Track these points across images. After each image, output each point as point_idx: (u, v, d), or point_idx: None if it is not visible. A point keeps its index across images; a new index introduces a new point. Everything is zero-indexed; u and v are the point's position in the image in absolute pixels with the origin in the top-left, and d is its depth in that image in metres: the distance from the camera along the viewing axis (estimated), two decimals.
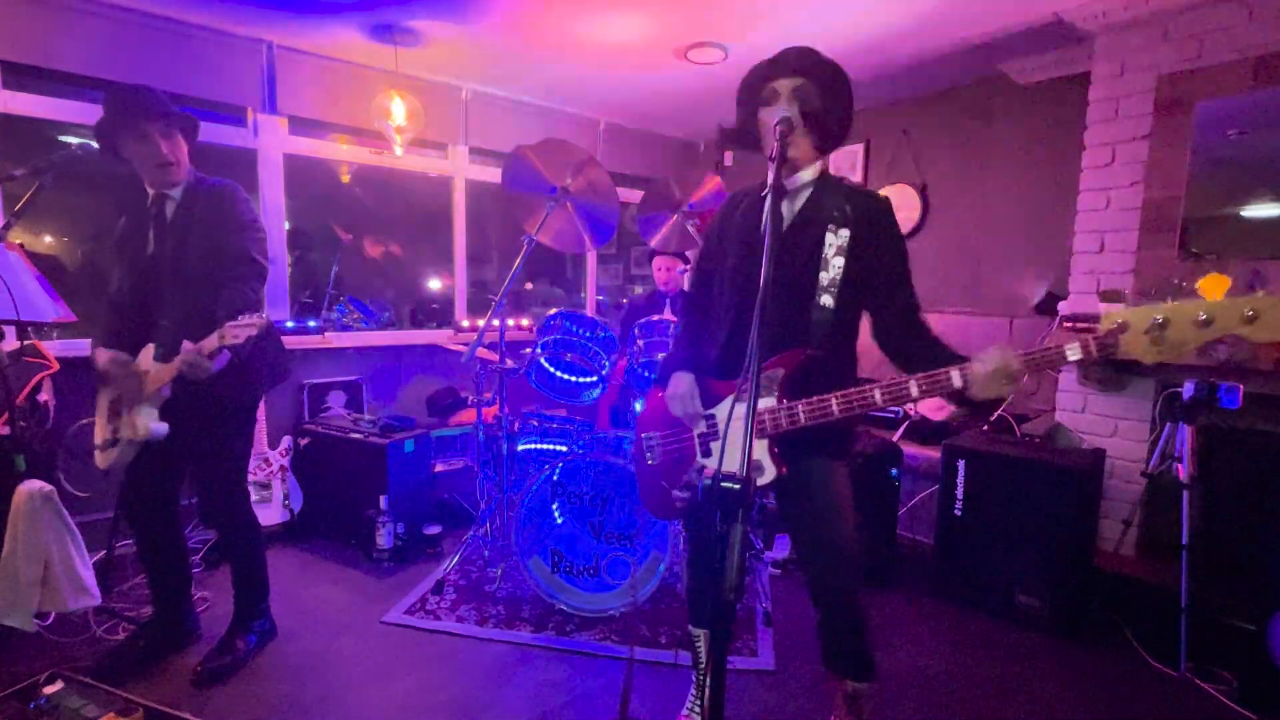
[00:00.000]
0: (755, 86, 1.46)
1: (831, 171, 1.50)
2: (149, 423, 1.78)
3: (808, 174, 1.45)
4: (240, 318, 1.63)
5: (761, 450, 1.42)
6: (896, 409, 3.31)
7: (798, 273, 1.40)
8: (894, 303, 1.42)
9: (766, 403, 1.41)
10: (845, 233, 1.37)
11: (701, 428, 1.57)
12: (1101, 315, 1.08)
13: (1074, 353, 1.12)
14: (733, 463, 1.44)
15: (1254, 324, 0.97)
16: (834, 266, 1.36)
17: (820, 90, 1.40)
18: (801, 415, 1.37)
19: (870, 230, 1.39)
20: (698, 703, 1.80)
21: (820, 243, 1.39)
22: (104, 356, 1.84)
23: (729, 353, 1.52)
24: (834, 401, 1.34)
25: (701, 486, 0.99)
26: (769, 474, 1.41)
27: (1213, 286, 0.99)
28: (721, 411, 1.54)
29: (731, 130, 1.52)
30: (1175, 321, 1.01)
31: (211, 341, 1.65)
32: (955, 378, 1.23)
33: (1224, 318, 0.98)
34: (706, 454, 1.56)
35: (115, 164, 1.85)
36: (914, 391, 1.27)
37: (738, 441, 1.47)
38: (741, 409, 1.45)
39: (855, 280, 1.38)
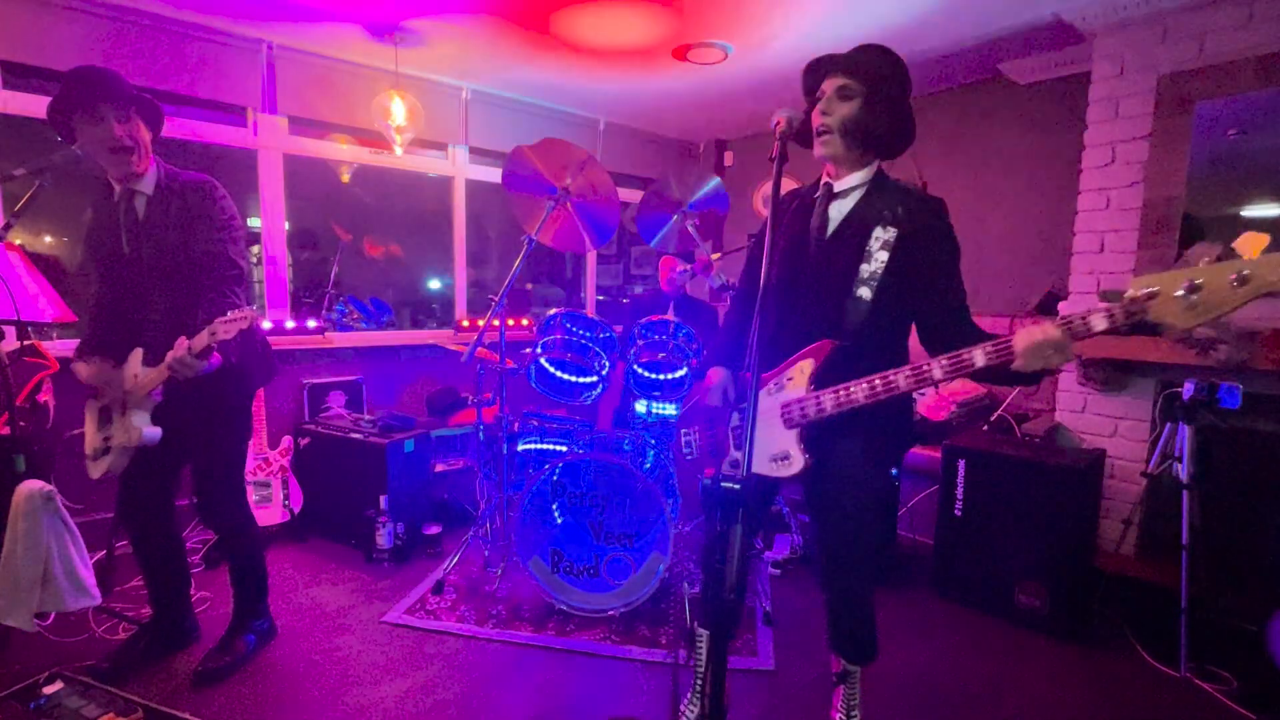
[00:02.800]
0: (809, 82, 1.48)
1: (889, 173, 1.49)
2: (142, 428, 1.75)
3: (858, 176, 1.46)
4: (230, 313, 1.59)
5: (791, 440, 1.43)
6: None
7: (841, 269, 1.41)
8: (939, 303, 1.40)
9: (795, 393, 1.44)
10: (893, 230, 1.38)
11: (735, 421, 1.61)
12: (1129, 283, 1.06)
13: (1100, 322, 1.08)
14: (759, 454, 1.47)
15: None
16: (877, 260, 1.37)
17: (868, 93, 1.39)
18: (828, 404, 1.38)
19: (921, 230, 1.39)
20: (696, 700, 1.81)
21: (866, 238, 1.40)
22: (85, 370, 1.81)
23: (771, 348, 1.52)
24: (858, 388, 1.34)
25: (701, 487, 1.00)
26: (797, 464, 1.42)
27: (1251, 245, 0.96)
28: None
29: (796, 128, 1.44)
30: (1210, 283, 0.96)
31: (202, 339, 1.61)
32: (978, 356, 1.21)
33: (1264, 273, 0.93)
34: (739, 446, 1.59)
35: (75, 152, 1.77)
36: (937, 374, 1.26)
37: (767, 431, 1.48)
38: (775, 401, 1.48)
39: (899, 276, 1.38)
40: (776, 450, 1.45)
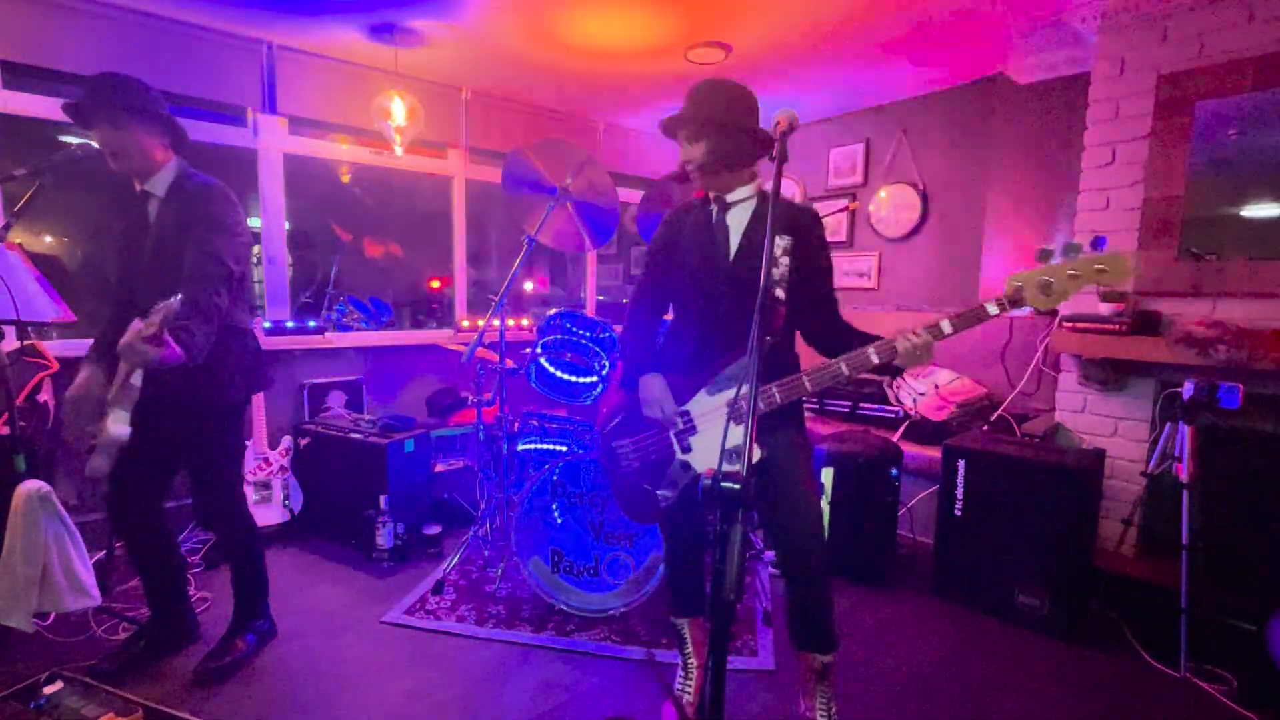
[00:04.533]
0: (668, 135, 1.66)
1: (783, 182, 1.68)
2: (111, 426, 1.68)
3: (746, 190, 1.63)
4: (153, 309, 1.50)
5: (742, 436, 1.48)
6: (897, 409, 3.32)
7: (755, 271, 1.55)
8: (822, 302, 1.64)
9: (742, 390, 1.51)
10: (788, 238, 1.54)
11: (679, 425, 1.64)
12: (1005, 279, 1.44)
13: (993, 308, 1.42)
14: (711, 453, 1.53)
15: (1103, 274, 1.33)
16: (782, 264, 1.52)
17: (713, 129, 1.56)
18: (778, 395, 1.52)
19: (805, 237, 1.58)
20: (688, 684, 1.86)
21: (771, 244, 1.52)
22: (77, 379, 1.80)
23: (699, 352, 1.64)
24: (805, 378, 1.51)
25: (701, 487, 1.00)
26: (755, 455, 1.49)
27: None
28: (696, 407, 1.63)
29: (676, 174, 1.71)
30: (1055, 279, 1.37)
31: (148, 325, 1.51)
32: (872, 355, 1.46)
33: (1084, 272, 1.34)
34: (686, 450, 1.64)
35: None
36: (873, 358, 1.47)
37: (713, 432, 1.58)
38: (716, 400, 1.59)
39: (796, 278, 1.56)
40: (732, 445, 1.48)
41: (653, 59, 3.26)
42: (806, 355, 1.65)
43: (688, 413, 1.63)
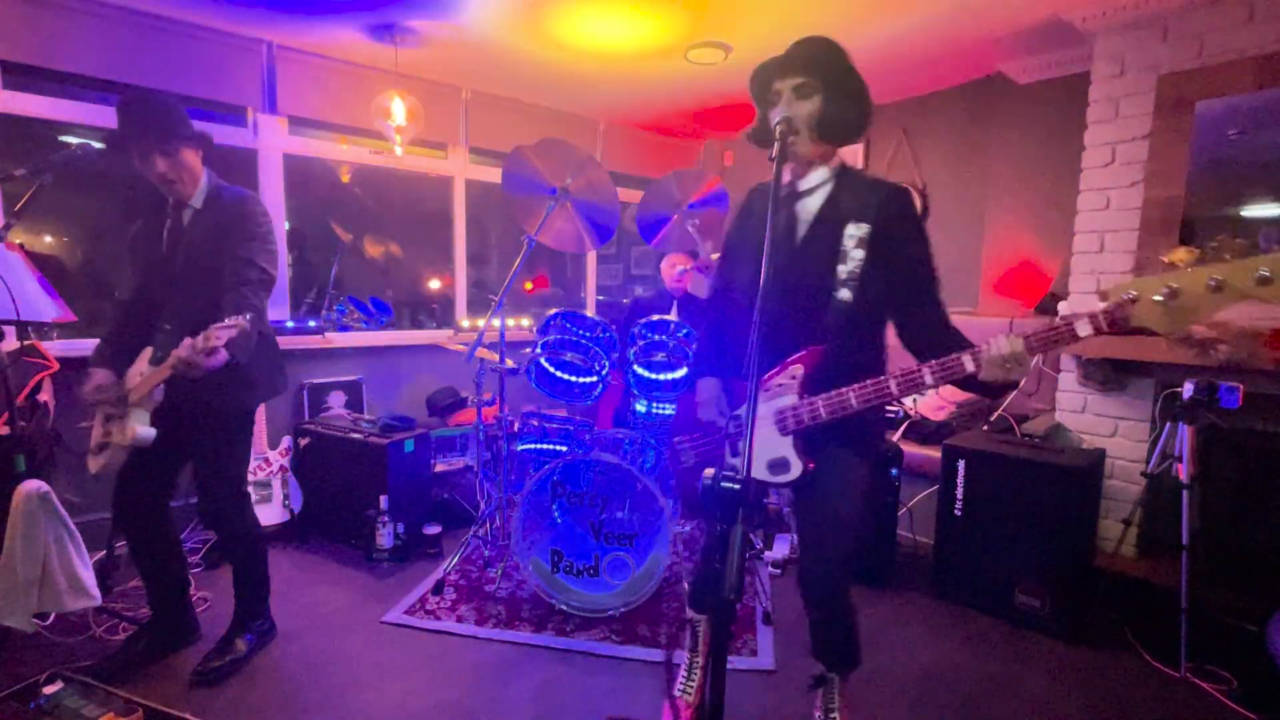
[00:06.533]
0: (762, 88, 1.47)
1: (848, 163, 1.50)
2: (137, 427, 1.75)
3: (822, 172, 1.45)
4: (226, 319, 1.59)
5: (786, 447, 1.43)
6: (897, 410, 3.31)
7: (818, 270, 1.38)
8: (917, 301, 1.40)
9: (788, 400, 1.43)
10: (865, 226, 1.35)
11: (730, 429, 1.61)
12: (1109, 290, 1.07)
13: (1084, 328, 1.10)
14: (759, 460, 1.46)
15: (1269, 285, 0.92)
16: (853, 259, 1.35)
17: (824, 86, 1.39)
18: (822, 409, 1.37)
19: (894, 223, 1.37)
20: (690, 683, 1.84)
21: (839, 237, 1.36)
22: (90, 381, 1.82)
23: (759, 354, 1.53)
24: (851, 394, 1.34)
25: (702, 486, 0.99)
26: (795, 470, 1.42)
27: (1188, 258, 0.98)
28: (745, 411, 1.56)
29: (752, 131, 1.49)
30: (1186, 289, 0.98)
31: (192, 343, 1.61)
32: (968, 363, 1.23)
33: (1236, 280, 0.94)
34: (735, 453, 1.58)
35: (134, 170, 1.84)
36: (928, 379, 1.27)
37: (762, 438, 1.48)
38: (768, 407, 1.47)
39: (875, 273, 1.35)
40: (774, 457, 1.45)
41: (653, 59, 3.25)
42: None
43: (739, 417, 1.57)
